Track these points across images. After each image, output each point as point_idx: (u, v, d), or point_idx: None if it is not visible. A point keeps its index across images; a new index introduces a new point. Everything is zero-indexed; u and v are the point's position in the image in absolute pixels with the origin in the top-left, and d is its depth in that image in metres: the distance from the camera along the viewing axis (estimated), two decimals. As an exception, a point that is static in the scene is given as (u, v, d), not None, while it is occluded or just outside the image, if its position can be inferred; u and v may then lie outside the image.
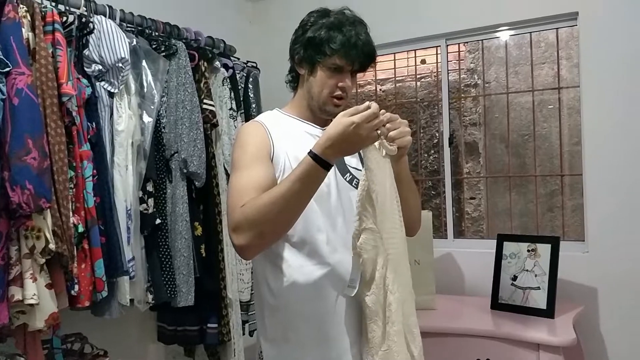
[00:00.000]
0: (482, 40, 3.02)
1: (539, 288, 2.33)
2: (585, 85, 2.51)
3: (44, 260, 1.62)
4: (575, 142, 3.36)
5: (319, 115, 1.45)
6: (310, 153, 1.20)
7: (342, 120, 1.19)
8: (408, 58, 3.62)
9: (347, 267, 1.35)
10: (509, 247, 2.48)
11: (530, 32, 2.82)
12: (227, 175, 2.39)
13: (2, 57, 1.57)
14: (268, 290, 1.39)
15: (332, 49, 1.35)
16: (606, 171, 2.45)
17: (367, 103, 1.20)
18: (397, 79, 3.77)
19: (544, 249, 2.37)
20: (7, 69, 1.58)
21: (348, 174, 1.43)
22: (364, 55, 1.38)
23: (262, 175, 1.32)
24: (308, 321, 1.36)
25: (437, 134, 4.04)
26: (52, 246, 1.62)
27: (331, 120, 1.48)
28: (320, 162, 1.19)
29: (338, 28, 1.36)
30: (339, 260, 1.36)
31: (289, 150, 1.38)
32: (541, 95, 3.66)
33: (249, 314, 2.57)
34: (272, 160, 1.37)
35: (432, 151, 4.10)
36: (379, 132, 1.22)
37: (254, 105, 2.77)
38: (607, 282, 2.44)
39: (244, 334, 2.56)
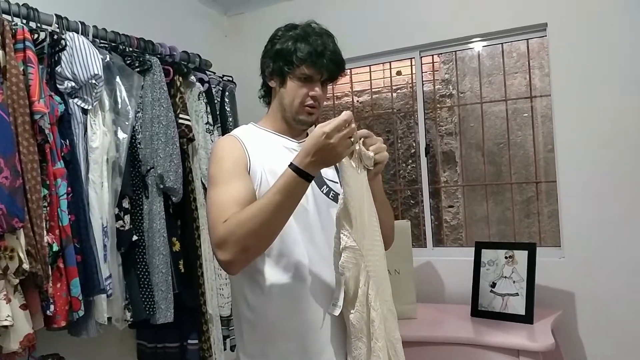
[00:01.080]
0: (455, 51, 3.07)
1: (517, 294, 2.36)
2: (556, 93, 2.56)
3: (17, 280, 1.59)
4: (549, 149, 3.41)
5: (294, 127, 1.46)
6: (291, 165, 1.21)
7: (315, 131, 1.20)
8: (384, 70, 3.66)
9: (326, 280, 1.35)
10: (487, 254, 2.51)
11: (502, 43, 2.88)
12: (205, 189, 2.38)
13: (-29, 75, 1.55)
14: (246, 305, 1.39)
15: (299, 59, 1.37)
16: (579, 177, 2.49)
17: (343, 113, 1.21)
18: (373, 90, 3.81)
19: (521, 256, 2.40)
20: (-23, 88, 1.56)
21: (325, 187, 1.44)
22: (331, 63, 1.39)
23: (241, 190, 1.32)
24: (287, 336, 1.35)
25: (414, 144, 4.08)
26: (25, 266, 1.60)
27: (306, 131, 1.49)
28: (301, 173, 1.20)
29: (304, 39, 1.39)
30: (318, 274, 1.36)
31: (266, 164, 1.38)
32: (515, 104, 3.73)
33: (230, 328, 2.55)
34: (249, 174, 1.37)
35: (410, 161, 4.13)
36: (352, 140, 1.23)
37: (230, 119, 2.77)
38: (583, 286, 2.48)
39: (225, 349, 2.54)
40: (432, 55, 3.07)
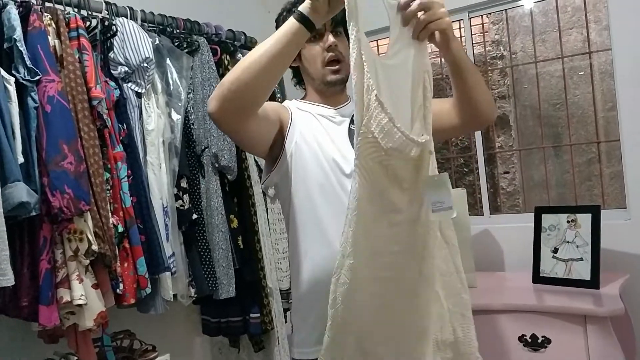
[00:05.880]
0: (505, 10, 2.94)
1: (581, 259, 2.28)
2: (617, 47, 2.43)
3: (88, 261, 1.66)
4: (609, 107, 3.26)
5: (329, 94, 1.44)
6: (296, 12, 1.13)
7: None
8: (430, 35, 3.55)
9: None
10: (547, 219, 2.43)
11: (556, -3, 2.74)
12: (258, 167, 2.40)
13: (31, 66, 1.60)
14: (295, 276, 1.40)
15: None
16: (645, 135, 2.37)
17: None
18: (420, 57, 3.71)
19: (585, 219, 2.32)
20: (38, 78, 1.61)
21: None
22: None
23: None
24: (313, 306, 1.33)
25: (465, 110, 3.97)
26: (94, 247, 1.66)
27: (343, 96, 1.46)
28: (304, 21, 1.11)
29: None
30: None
31: (304, 130, 1.37)
32: (571, 62, 3.56)
33: (289, 302, 2.59)
34: (286, 136, 1.36)
35: (462, 127, 4.02)
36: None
37: (278, 95, 2.77)
38: (652, 248, 2.37)
39: (286, 321, 2.58)
40: (482, 15, 2.96)
